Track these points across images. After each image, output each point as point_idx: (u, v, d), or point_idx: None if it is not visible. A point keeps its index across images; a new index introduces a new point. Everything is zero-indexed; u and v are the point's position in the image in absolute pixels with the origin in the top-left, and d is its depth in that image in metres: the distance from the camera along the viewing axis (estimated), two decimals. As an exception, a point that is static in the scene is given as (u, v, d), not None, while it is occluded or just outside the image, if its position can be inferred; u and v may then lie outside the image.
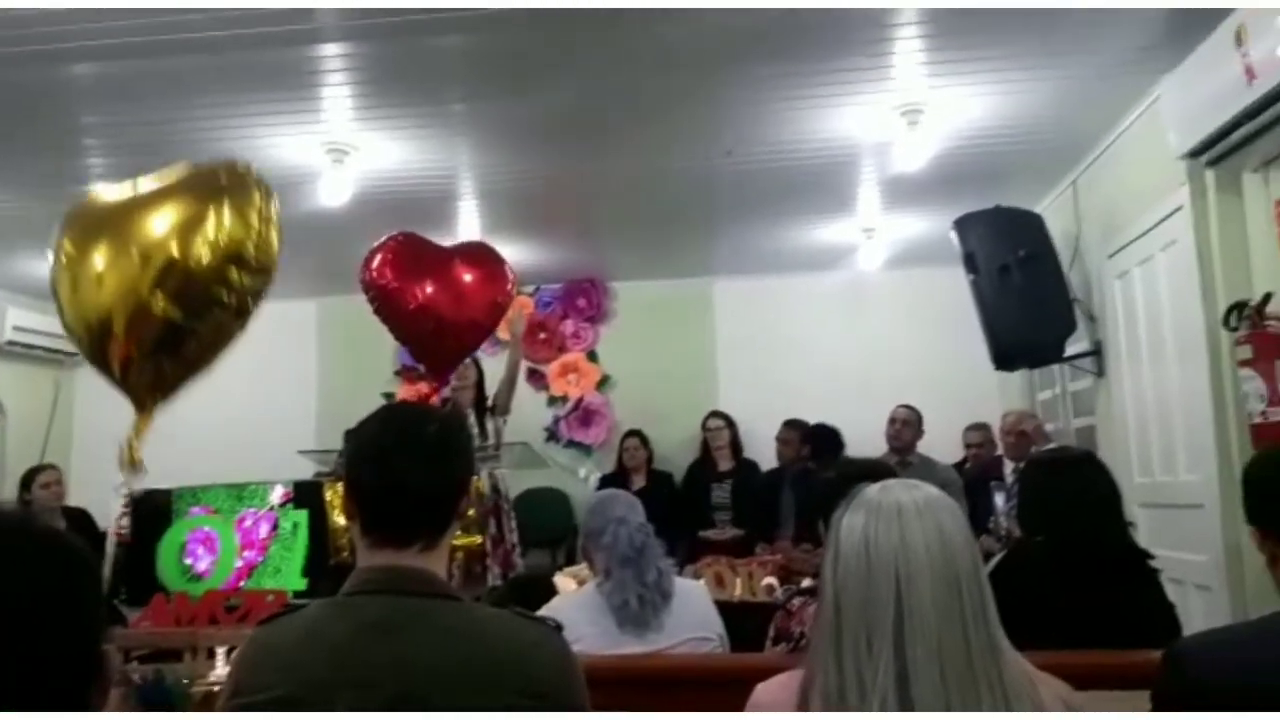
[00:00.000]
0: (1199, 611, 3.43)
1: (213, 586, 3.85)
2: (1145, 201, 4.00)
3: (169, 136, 3.74)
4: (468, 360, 5.02)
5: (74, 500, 5.28)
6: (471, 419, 4.82)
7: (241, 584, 4.01)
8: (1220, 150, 3.39)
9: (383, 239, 4.29)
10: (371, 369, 6.43)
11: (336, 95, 3.61)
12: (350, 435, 1.46)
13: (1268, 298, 3.16)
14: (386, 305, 4.28)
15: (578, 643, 2.22)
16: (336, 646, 1.32)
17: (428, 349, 4.48)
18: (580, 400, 6.68)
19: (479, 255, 4.50)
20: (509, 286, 4.52)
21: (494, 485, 4.73)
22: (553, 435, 6.66)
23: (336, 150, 4.02)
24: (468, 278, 4.40)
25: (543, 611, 2.52)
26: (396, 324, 4.37)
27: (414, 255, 4.31)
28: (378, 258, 4.25)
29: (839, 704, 1.18)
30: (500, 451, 4.86)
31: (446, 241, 4.72)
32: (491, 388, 4.96)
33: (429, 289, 4.28)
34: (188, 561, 4.33)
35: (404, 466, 1.39)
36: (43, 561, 0.94)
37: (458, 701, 1.28)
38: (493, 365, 5.25)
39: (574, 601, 2.49)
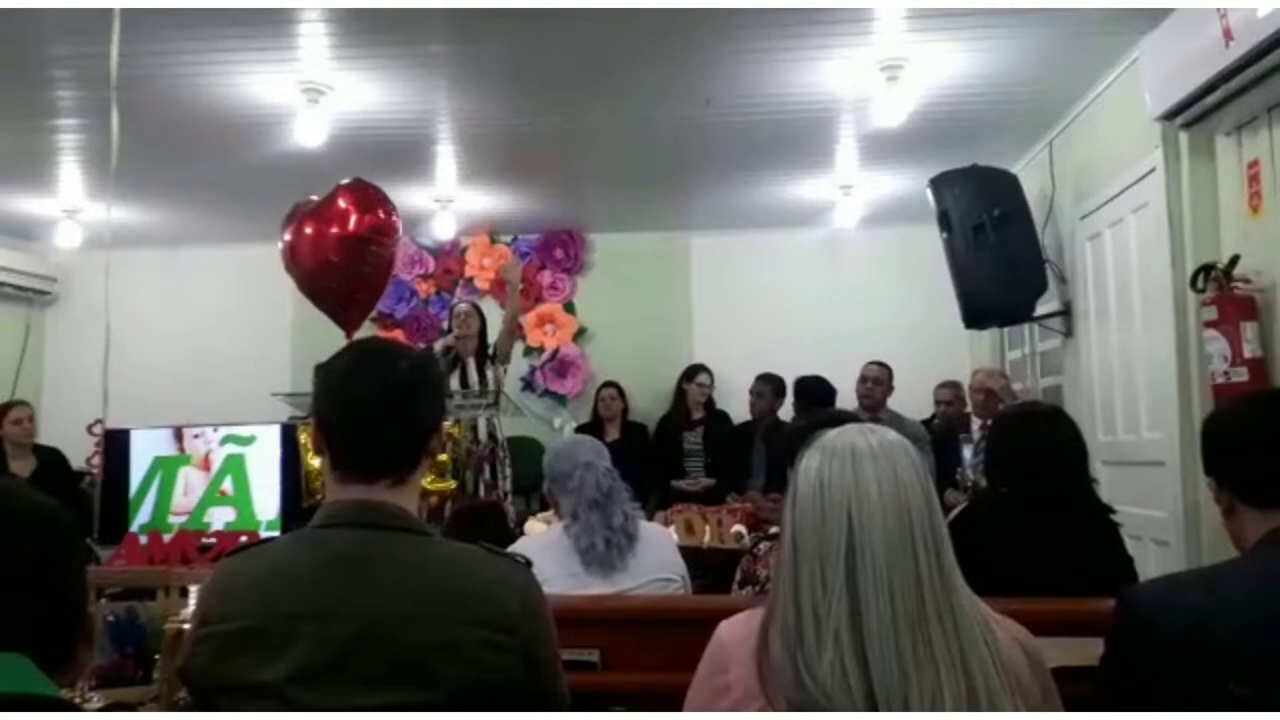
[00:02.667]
0: (1155, 566, 3.51)
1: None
2: (1119, 163, 4.02)
3: (141, 71, 3.66)
4: (470, 309, 5.06)
5: (44, 439, 5.25)
6: (473, 367, 4.86)
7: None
8: (1195, 113, 3.40)
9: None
10: (346, 315, 6.38)
11: (313, 33, 3.55)
12: (320, 369, 1.45)
13: (1235, 260, 3.20)
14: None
15: (544, 583, 2.25)
16: (302, 578, 1.32)
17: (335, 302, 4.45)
18: (557, 351, 6.68)
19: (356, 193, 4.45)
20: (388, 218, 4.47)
21: (490, 432, 4.79)
22: (529, 385, 6.67)
23: (312, 90, 3.95)
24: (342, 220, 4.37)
25: (513, 549, 2.56)
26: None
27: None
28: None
29: (797, 640, 1.20)
30: (499, 400, 4.91)
31: (421, 187, 4.66)
32: (493, 336, 4.99)
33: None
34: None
35: (373, 402, 1.39)
36: (32, 533, 1.03)
37: (423, 634, 1.29)
38: (495, 315, 5.26)
39: (540, 543, 2.51)
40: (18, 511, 1.04)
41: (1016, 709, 1.19)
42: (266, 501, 4.07)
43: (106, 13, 3.22)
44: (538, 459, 6.51)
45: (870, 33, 3.59)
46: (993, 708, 1.17)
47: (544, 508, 5.49)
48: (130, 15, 3.32)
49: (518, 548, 2.42)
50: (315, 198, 4.37)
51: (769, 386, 5.77)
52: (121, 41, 3.52)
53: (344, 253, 4.26)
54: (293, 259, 4.37)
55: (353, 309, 4.52)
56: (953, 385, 5.36)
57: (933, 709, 1.13)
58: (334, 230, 4.27)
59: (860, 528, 1.19)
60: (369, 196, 4.36)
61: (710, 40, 3.64)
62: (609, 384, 6.20)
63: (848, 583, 1.18)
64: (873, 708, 1.14)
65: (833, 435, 1.28)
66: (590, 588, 2.32)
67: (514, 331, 5.05)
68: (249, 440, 4.14)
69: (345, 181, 4.37)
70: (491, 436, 4.78)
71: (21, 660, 0.98)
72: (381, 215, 4.35)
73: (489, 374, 4.89)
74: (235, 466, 4.10)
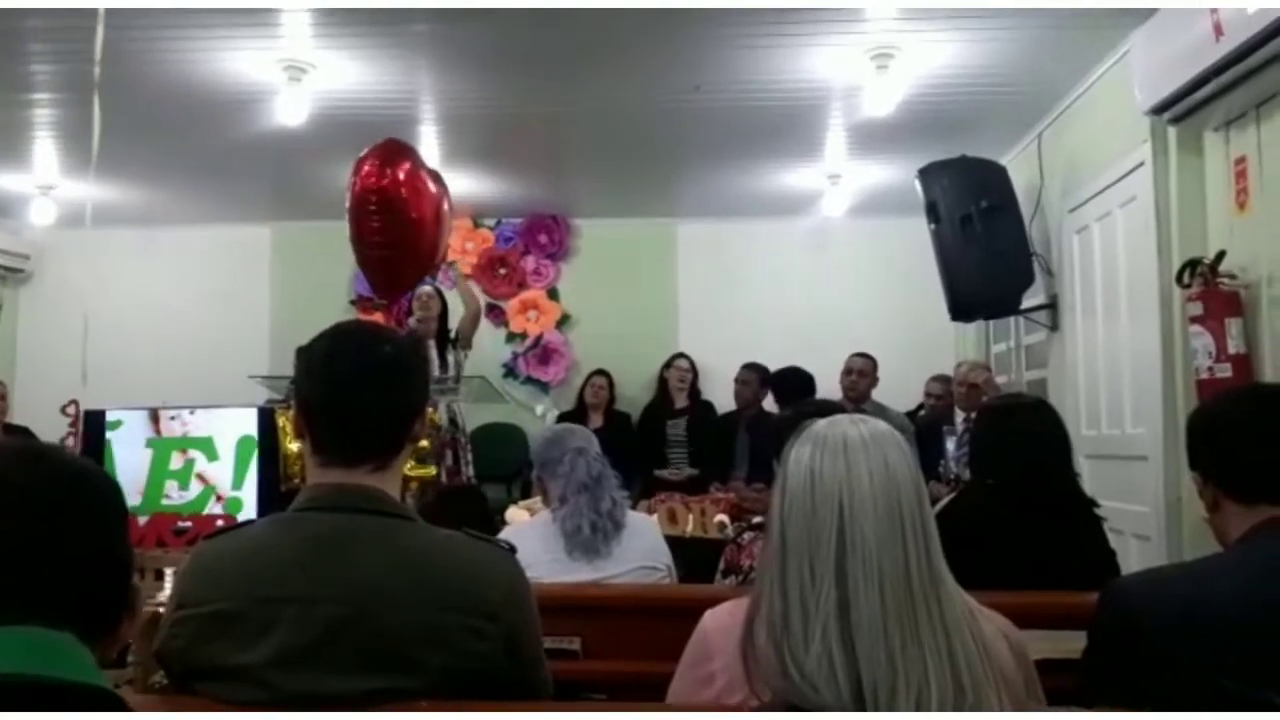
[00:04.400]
0: (1137, 561, 3.52)
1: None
2: (1108, 157, 4.02)
3: (120, 46, 3.59)
4: (431, 291, 4.99)
5: (16, 419, 5.18)
6: (433, 350, 4.80)
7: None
8: (1184, 107, 3.41)
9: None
10: (326, 297, 6.32)
11: (295, 10, 3.49)
12: (302, 352, 1.42)
13: (1221, 256, 3.21)
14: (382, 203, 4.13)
15: (529, 568, 2.24)
16: (283, 561, 1.30)
17: (395, 262, 4.36)
18: (539, 338, 6.65)
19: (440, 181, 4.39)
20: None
21: (451, 418, 4.73)
22: (511, 371, 6.64)
23: (294, 68, 3.90)
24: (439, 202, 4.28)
25: (499, 536, 2.55)
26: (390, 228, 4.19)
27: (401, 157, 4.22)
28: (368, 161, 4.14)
29: (783, 630, 1.19)
30: (460, 385, 4.85)
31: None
32: (453, 321, 4.94)
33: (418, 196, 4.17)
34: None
35: (355, 386, 1.37)
36: (82, 496, 0.99)
37: (406, 619, 1.27)
38: (455, 298, 5.21)
39: (528, 527, 2.52)
40: (66, 473, 0.99)
41: (1001, 701, 1.19)
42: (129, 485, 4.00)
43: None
44: (518, 446, 6.58)
45: (861, 20, 3.57)
46: (978, 700, 1.16)
47: (524, 495, 5.49)
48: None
49: (506, 533, 2.41)
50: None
51: (755, 375, 5.76)
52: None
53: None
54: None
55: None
56: (945, 380, 5.36)
57: (919, 700, 1.13)
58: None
59: (851, 519, 1.18)
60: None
61: (700, 26, 3.61)
62: (599, 372, 6.18)
63: (837, 574, 1.16)
64: (859, 699, 1.13)
65: (823, 425, 1.26)
66: (575, 573, 2.32)
67: (476, 320, 5.06)
68: (116, 425, 4.09)
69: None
70: (453, 422, 4.72)
71: (65, 639, 0.94)
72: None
73: (450, 358, 4.84)
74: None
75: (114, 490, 1.04)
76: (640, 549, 2.42)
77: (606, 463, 2.49)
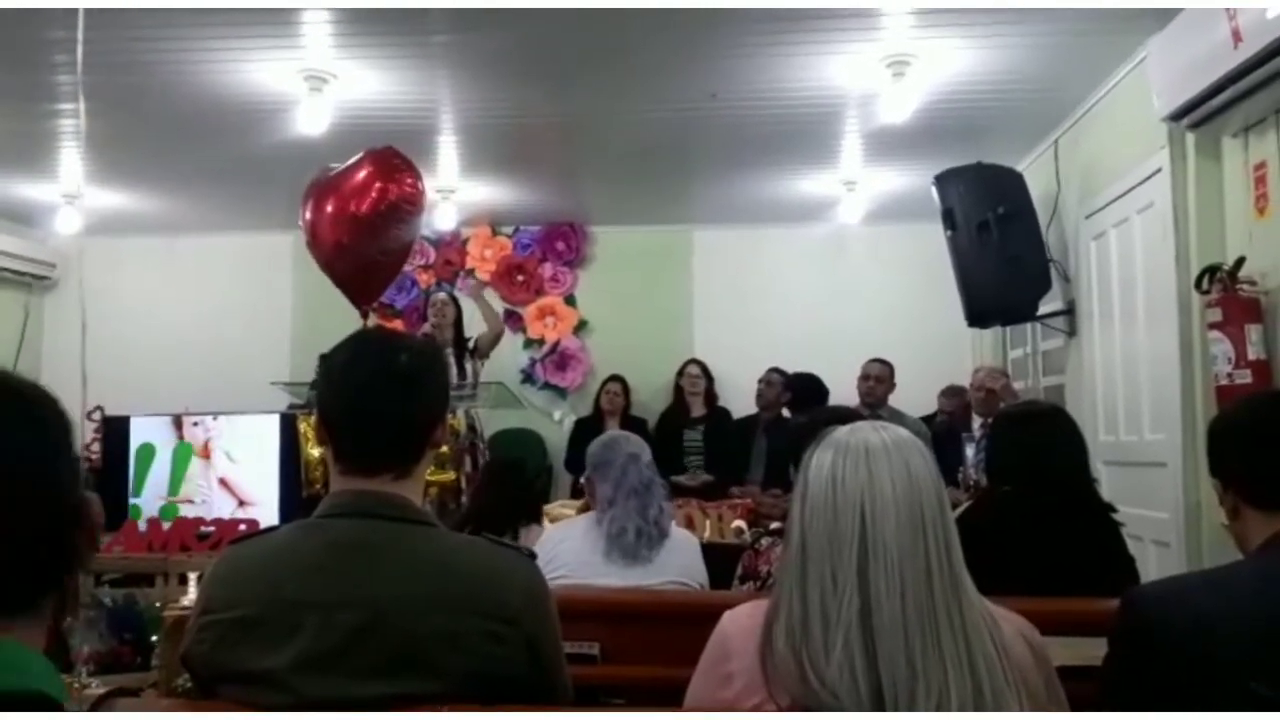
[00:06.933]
0: (1156, 567, 3.50)
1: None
2: (1125, 163, 4.01)
3: (144, 56, 3.65)
4: (446, 298, 5.03)
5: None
6: (450, 357, 4.83)
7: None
8: (1202, 113, 3.39)
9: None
10: (346, 304, 6.34)
11: (316, 21, 3.53)
12: (323, 360, 1.45)
13: (1240, 262, 3.20)
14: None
15: (565, 565, 2.27)
16: (306, 567, 1.32)
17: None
18: (557, 344, 6.67)
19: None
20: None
21: (469, 424, 4.77)
22: (528, 377, 6.67)
23: (315, 78, 3.93)
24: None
25: (544, 535, 2.59)
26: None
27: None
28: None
29: (803, 637, 1.20)
30: (477, 392, 4.89)
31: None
32: (468, 327, 4.98)
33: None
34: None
35: (374, 394, 1.38)
36: (12, 409, 0.84)
37: (427, 625, 1.29)
38: (471, 306, 5.25)
39: (570, 526, 2.57)
40: (11, 411, 0.82)
41: (1021, 706, 1.19)
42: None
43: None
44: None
45: (877, 28, 3.58)
46: (998, 706, 1.16)
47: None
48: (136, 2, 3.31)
49: (548, 531, 2.44)
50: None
51: (779, 378, 5.76)
52: (128, 24, 3.52)
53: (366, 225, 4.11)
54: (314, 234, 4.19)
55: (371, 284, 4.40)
56: (957, 391, 5.33)
57: (939, 707, 1.13)
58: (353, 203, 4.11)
59: (873, 525, 1.18)
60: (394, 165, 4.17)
61: (716, 33, 3.62)
62: (614, 378, 6.19)
63: (859, 580, 1.17)
64: (879, 705, 1.13)
65: (844, 432, 1.27)
66: (608, 577, 2.35)
67: (497, 337, 5.14)
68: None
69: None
70: (471, 429, 4.77)
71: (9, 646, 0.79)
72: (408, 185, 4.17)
73: (467, 366, 4.88)
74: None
75: (60, 413, 0.86)
76: (678, 564, 2.44)
77: (657, 472, 2.54)
